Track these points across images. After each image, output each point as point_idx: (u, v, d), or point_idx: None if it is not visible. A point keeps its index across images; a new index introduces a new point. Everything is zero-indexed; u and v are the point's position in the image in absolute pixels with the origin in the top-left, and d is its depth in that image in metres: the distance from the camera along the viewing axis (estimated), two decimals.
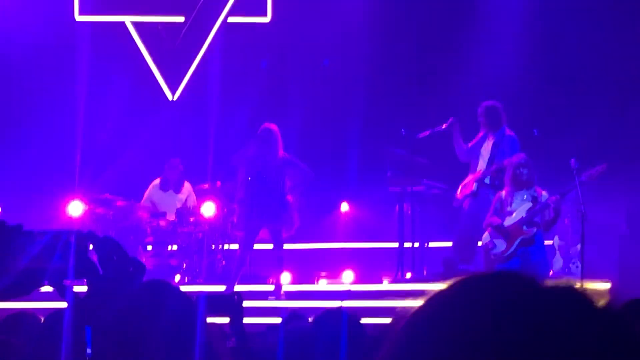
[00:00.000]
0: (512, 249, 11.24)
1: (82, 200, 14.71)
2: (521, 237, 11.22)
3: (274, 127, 12.63)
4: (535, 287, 1.41)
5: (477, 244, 12.17)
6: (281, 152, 12.50)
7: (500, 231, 11.28)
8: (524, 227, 11.22)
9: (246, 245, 12.62)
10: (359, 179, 14.98)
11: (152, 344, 2.75)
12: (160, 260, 13.78)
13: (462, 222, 12.64)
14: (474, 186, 12.47)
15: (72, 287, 2.40)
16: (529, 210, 11.20)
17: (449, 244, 13.95)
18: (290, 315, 6.96)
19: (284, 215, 12.49)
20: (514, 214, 11.25)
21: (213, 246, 14.08)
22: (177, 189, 14.33)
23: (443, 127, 12.95)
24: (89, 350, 4.97)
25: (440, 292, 1.45)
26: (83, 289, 2.43)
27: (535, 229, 11.23)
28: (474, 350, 1.34)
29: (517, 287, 1.42)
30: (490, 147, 12.51)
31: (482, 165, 12.59)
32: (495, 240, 11.36)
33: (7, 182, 15.46)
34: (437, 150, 13.54)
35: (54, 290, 2.39)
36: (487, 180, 12.43)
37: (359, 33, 15.45)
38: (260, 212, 12.38)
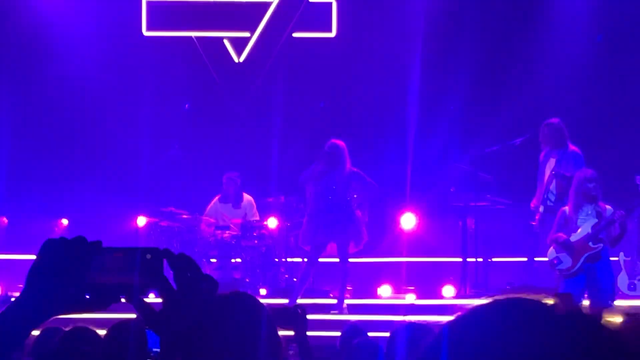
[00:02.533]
0: (578, 265, 11.12)
1: (147, 214, 14.89)
2: (587, 253, 11.10)
3: (340, 142, 12.67)
4: (547, 316, 1.45)
5: None
6: (349, 167, 12.54)
7: (565, 247, 11.18)
8: (590, 243, 11.11)
9: (312, 260, 12.66)
10: (422, 194, 14.95)
11: (220, 353, 2.81)
12: (224, 273, 13.88)
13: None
14: (541, 208, 12.40)
15: (147, 302, 2.49)
16: (594, 226, 11.09)
17: (513, 259, 13.88)
18: (349, 329, 6.97)
19: (351, 230, 12.51)
20: (579, 230, 11.15)
21: (276, 259, 14.15)
22: (236, 203, 14.42)
23: (517, 142, 12.88)
24: (156, 350, 5.05)
25: (468, 312, 1.50)
26: (157, 303, 2.51)
27: (601, 245, 11.11)
28: None
29: (528, 316, 1.46)
30: (553, 165, 12.42)
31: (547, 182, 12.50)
32: (560, 256, 11.25)
33: (75, 195, 15.68)
34: (501, 166, 13.50)
35: (128, 304, 2.47)
36: (549, 202, 12.34)
37: (422, 46, 15.44)
38: (328, 227, 12.43)
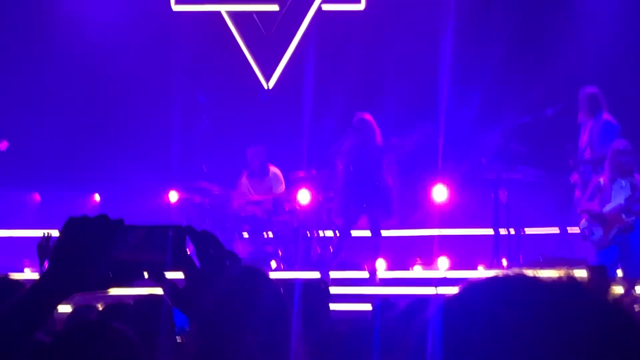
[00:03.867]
0: (610, 237, 11.05)
1: (179, 189, 14.94)
2: (620, 226, 11.03)
3: (367, 116, 12.63)
4: (540, 288, 1.45)
5: None
6: (379, 140, 12.49)
7: (598, 218, 11.10)
8: (623, 215, 11.03)
9: (344, 233, 12.67)
10: (454, 166, 14.90)
11: (247, 330, 2.80)
12: (256, 247, 13.92)
13: None
14: (577, 177, 12.31)
15: (170, 278, 2.49)
16: (627, 199, 11.01)
17: (545, 230, 13.82)
18: (381, 302, 6.97)
19: (383, 204, 12.49)
20: (612, 202, 11.07)
21: (308, 233, 14.17)
22: (262, 176, 14.42)
23: (548, 113, 12.78)
24: (179, 336, 5.07)
25: (467, 287, 1.51)
26: (180, 279, 2.51)
27: (634, 218, 11.03)
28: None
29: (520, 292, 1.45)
30: (588, 132, 12.33)
31: (581, 151, 12.42)
32: (592, 228, 11.19)
33: (107, 172, 15.75)
34: (533, 137, 13.41)
35: (151, 280, 2.48)
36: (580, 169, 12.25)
37: (453, 17, 15.34)
38: (360, 201, 12.42)
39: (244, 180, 14.49)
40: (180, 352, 4.69)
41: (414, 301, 5.51)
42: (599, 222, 11.11)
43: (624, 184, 11.06)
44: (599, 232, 11.14)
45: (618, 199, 11.06)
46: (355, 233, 12.99)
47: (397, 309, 6.45)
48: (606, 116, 12.33)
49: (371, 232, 12.61)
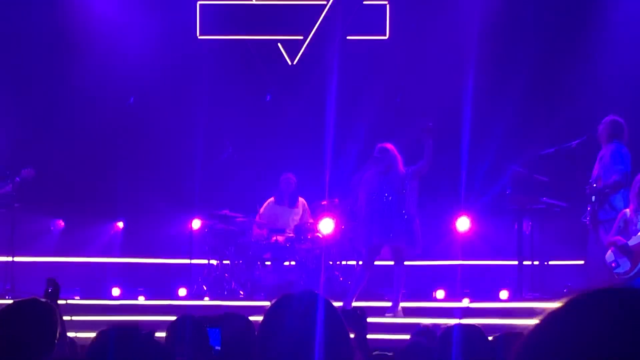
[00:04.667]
0: (636, 269, 10.98)
1: (202, 216, 14.97)
2: None
3: (389, 145, 12.61)
4: None
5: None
6: (402, 169, 12.46)
7: (624, 251, 11.03)
8: None
9: (367, 263, 12.63)
10: (478, 196, 14.88)
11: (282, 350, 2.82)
12: (279, 275, 13.90)
13: (590, 244, 12.33)
14: (592, 199, 12.23)
15: None
16: None
17: (569, 262, 13.77)
18: (420, 330, 6.93)
19: (407, 234, 12.42)
20: (639, 234, 11.00)
21: (331, 262, 14.15)
22: (292, 204, 14.47)
23: (573, 145, 12.74)
24: (216, 348, 5.09)
25: (555, 311, 1.47)
26: None
27: None
28: None
29: (627, 303, 1.41)
30: (599, 160, 12.28)
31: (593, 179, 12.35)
32: (619, 260, 11.11)
33: (130, 198, 15.80)
34: (557, 168, 13.38)
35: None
36: (593, 199, 12.18)
37: (477, 48, 15.35)
38: (383, 230, 12.37)
39: (271, 205, 14.49)
40: None
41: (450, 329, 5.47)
42: (626, 254, 11.04)
43: None
44: (626, 265, 11.06)
45: None
46: (378, 263, 12.96)
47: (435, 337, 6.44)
48: (617, 144, 12.23)
49: (395, 261, 12.57)
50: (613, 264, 11.13)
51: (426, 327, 7.44)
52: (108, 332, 6.31)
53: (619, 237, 11.11)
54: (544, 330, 1.46)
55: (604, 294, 1.47)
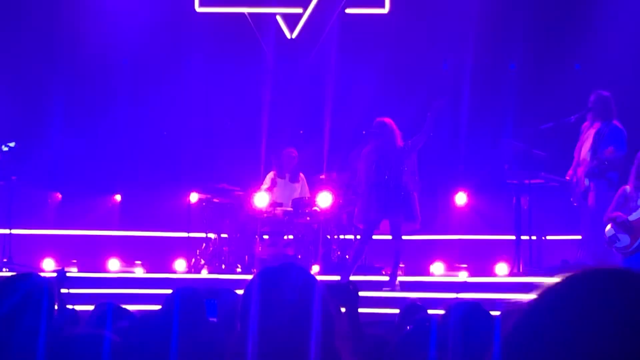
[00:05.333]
0: (636, 244, 11.02)
1: (200, 190, 14.95)
2: None
3: (387, 120, 12.58)
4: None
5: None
6: (400, 143, 12.44)
7: (624, 226, 11.07)
8: None
9: (365, 237, 12.63)
10: (476, 171, 14.87)
11: (273, 322, 2.82)
12: (277, 249, 13.91)
13: (587, 217, 12.36)
14: (586, 182, 12.25)
15: None
16: None
17: (567, 237, 13.77)
18: (409, 306, 6.93)
19: (405, 209, 12.42)
20: (639, 209, 11.04)
21: (328, 236, 14.15)
22: (293, 179, 14.47)
23: (572, 119, 12.74)
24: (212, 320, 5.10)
25: (552, 288, 1.47)
26: None
27: None
28: (587, 346, 1.34)
29: (627, 283, 1.40)
30: (594, 135, 12.27)
31: (585, 154, 12.36)
32: (619, 235, 11.15)
33: (128, 171, 15.79)
34: (556, 143, 13.35)
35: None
36: (587, 182, 12.21)
37: (477, 21, 15.30)
38: (382, 205, 12.37)
39: (273, 178, 14.45)
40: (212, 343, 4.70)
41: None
42: (625, 229, 11.07)
43: None
44: (625, 240, 11.10)
45: None
46: (376, 237, 12.96)
47: (425, 312, 6.44)
48: (616, 122, 12.29)
49: (392, 236, 12.57)
50: (613, 239, 11.16)
51: (414, 303, 7.44)
52: (105, 304, 6.34)
53: (619, 213, 11.14)
54: (540, 307, 1.45)
55: (601, 273, 1.44)
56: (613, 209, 11.26)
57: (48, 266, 14.18)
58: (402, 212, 12.38)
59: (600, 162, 12.03)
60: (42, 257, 14.57)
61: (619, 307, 1.37)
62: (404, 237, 12.71)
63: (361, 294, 11.35)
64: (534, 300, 1.47)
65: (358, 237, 13.27)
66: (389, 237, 12.66)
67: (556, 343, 1.38)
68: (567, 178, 12.59)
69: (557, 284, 1.47)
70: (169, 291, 5.77)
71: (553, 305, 1.44)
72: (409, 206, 12.39)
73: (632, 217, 11.05)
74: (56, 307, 6.18)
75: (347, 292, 6.72)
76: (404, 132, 12.78)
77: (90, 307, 6.72)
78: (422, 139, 12.48)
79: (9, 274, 4.78)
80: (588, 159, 12.22)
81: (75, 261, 14.71)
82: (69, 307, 6.78)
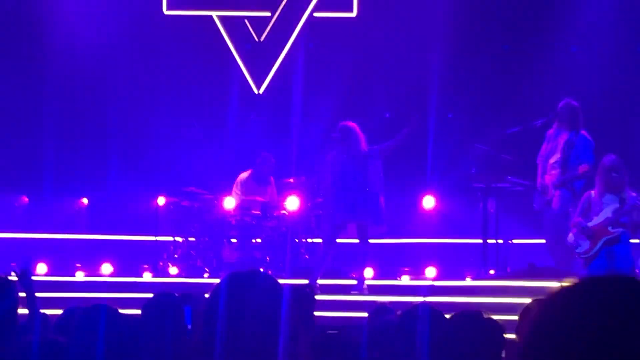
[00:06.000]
0: (595, 249, 11.15)
1: (168, 193, 14.93)
2: (605, 237, 11.12)
3: (350, 124, 12.61)
4: None
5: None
6: (364, 147, 12.47)
7: (585, 232, 11.20)
8: (609, 228, 11.12)
9: (330, 240, 12.66)
10: (443, 175, 14.94)
11: (241, 330, 2.84)
12: (245, 253, 13.91)
13: (551, 224, 12.44)
14: (553, 190, 12.34)
15: None
16: (615, 211, 11.09)
17: (533, 240, 13.87)
18: (378, 309, 6.97)
19: (371, 212, 12.45)
20: (600, 215, 11.16)
21: (297, 240, 14.17)
22: (265, 184, 14.46)
23: (538, 124, 12.81)
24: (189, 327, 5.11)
25: (560, 296, 1.47)
26: None
27: (620, 230, 11.11)
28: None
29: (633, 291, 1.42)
30: (562, 144, 12.36)
31: (553, 161, 12.43)
32: (580, 241, 11.28)
33: (96, 174, 15.73)
34: (522, 147, 13.44)
35: None
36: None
37: (444, 25, 15.37)
38: (348, 208, 12.39)
39: (247, 182, 14.41)
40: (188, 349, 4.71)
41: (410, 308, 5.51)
42: (586, 235, 11.21)
43: (613, 199, 11.14)
44: (585, 245, 11.23)
45: (606, 212, 11.14)
46: (343, 241, 12.99)
47: (393, 315, 6.47)
48: (583, 132, 12.38)
49: (360, 239, 12.61)
50: (574, 244, 11.30)
51: (384, 305, 7.49)
52: (74, 309, 6.32)
53: (580, 219, 11.29)
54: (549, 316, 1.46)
55: (604, 282, 1.46)
56: (577, 214, 11.39)
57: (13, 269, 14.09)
58: (368, 215, 12.41)
59: (573, 177, 12.13)
60: (8, 261, 14.49)
61: (622, 315, 1.39)
62: (371, 241, 12.74)
63: (329, 297, 11.38)
64: (545, 306, 1.47)
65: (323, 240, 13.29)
66: (357, 240, 12.69)
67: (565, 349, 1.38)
68: (538, 187, 12.63)
69: (568, 289, 1.47)
70: (139, 295, 5.77)
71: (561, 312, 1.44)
72: (375, 209, 12.43)
73: (592, 223, 11.18)
74: (27, 311, 6.17)
75: (303, 295, 6.77)
76: (372, 135, 12.82)
77: (58, 311, 6.71)
78: (390, 148, 12.54)
79: None
80: (558, 168, 12.30)
81: (79, 265, 14.73)
82: (42, 311, 6.75)
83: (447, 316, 5.13)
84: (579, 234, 11.28)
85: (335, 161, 12.50)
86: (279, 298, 2.92)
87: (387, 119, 15.58)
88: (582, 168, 12.03)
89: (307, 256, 14.12)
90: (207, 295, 5.98)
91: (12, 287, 4.41)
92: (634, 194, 11.14)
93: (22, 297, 5.73)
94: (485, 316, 4.87)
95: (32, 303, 6.08)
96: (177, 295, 5.66)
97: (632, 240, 11.53)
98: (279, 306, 2.90)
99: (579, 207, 11.42)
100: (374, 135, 13.10)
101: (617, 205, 11.09)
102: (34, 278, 6.94)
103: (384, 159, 12.61)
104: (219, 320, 2.85)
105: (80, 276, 14.64)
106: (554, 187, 12.26)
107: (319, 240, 13.84)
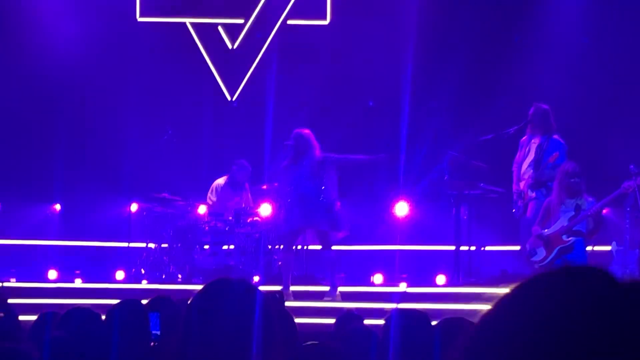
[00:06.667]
0: (550, 257, 11.24)
1: (140, 199, 14.91)
2: (560, 246, 11.21)
3: (304, 131, 12.67)
4: (609, 281, 1.41)
5: None
6: (318, 154, 12.51)
7: (541, 239, 11.29)
8: (563, 236, 11.21)
9: (287, 247, 12.72)
10: (416, 182, 14.98)
11: (216, 336, 2.84)
12: (217, 259, 13.90)
13: (525, 230, 12.51)
14: (530, 193, 12.40)
15: None
16: (570, 219, 11.19)
17: (506, 247, 13.93)
18: (345, 315, 6.98)
19: (327, 218, 12.47)
20: (557, 223, 11.25)
21: (270, 246, 14.17)
22: (240, 190, 14.48)
23: (511, 131, 12.88)
24: (155, 333, 5.11)
25: (513, 291, 1.44)
26: None
27: (573, 238, 11.19)
28: (551, 348, 1.34)
29: (591, 282, 1.41)
30: (535, 148, 12.44)
31: (526, 166, 12.51)
32: (536, 249, 11.38)
33: (68, 181, 15.67)
34: (495, 155, 13.51)
35: None
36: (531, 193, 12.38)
37: (417, 34, 15.43)
38: (303, 215, 12.43)
39: (222, 188, 14.42)
40: (155, 355, 4.70)
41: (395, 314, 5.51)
42: (543, 243, 11.30)
43: (571, 205, 11.21)
44: (541, 253, 11.32)
45: (562, 220, 11.22)
46: (315, 247, 13.02)
47: (360, 322, 6.48)
48: (556, 136, 12.47)
49: (322, 246, 12.64)
50: (531, 253, 11.39)
51: (351, 312, 7.51)
52: (47, 314, 6.31)
53: (536, 227, 11.38)
54: (495, 318, 1.44)
55: (553, 276, 1.43)
56: (538, 222, 11.48)
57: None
58: (325, 221, 12.43)
59: (542, 172, 12.20)
60: None
61: (577, 305, 1.36)
62: (342, 247, 12.78)
63: (302, 304, 11.38)
64: (488, 312, 1.45)
65: (281, 247, 13.32)
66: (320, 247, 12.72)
67: (518, 347, 1.37)
68: (515, 197, 12.68)
69: (509, 293, 1.45)
70: (110, 301, 5.76)
71: (508, 314, 1.42)
72: (331, 215, 12.45)
73: (549, 230, 11.26)
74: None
75: (274, 301, 6.77)
76: (342, 144, 12.87)
77: (30, 317, 6.69)
78: (348, 163, 12.67)
79: None
80: (531, 170, 12.38)
81: (78, 272, 14.69)
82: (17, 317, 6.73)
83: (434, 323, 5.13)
84: (536, 242, 11.37)
85: (289, 168, 12.56)
86: (254, 302, 2.94)
87: (359, 126, 15.60)
88: (552, 157, 12.08)
89: (280, 262, 14.12)
90: (174, 301, 5.98)
91: None
92: (590, 199, 11.23)
93: None
94: (469, 322, 4.87)
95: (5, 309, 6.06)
96: (140, 301, 5.65)
97: (588, 248, 11.64)
98: (253, 310, 2.91)
99: (540, 214, 11.51)
100: (344, 144, 13.16)
101: (573, 213, 11.17)
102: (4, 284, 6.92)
103: (341, 168, 12.68)
104: (194, 326, 2.85)
105: (52, 276, 14.59)
106: (530, 188, 12.33)
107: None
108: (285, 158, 12.74)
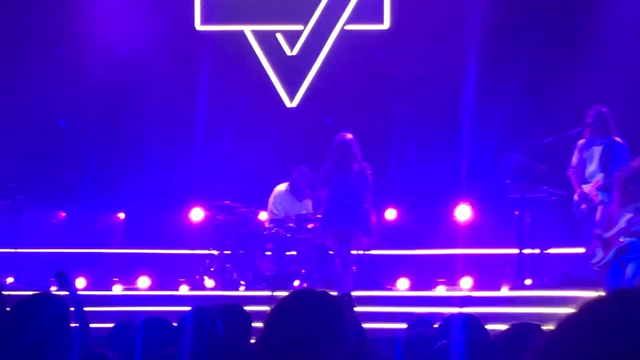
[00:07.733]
0: (607, 259, 11.18)
1: (203, 207, 15.02)
2: (617, 247, 11.15)
3: (348, 136, 12.77)
4: None
5: None
6: (360, 160, 12.71)
7: (601, 240, 11.25)
8: (621, 237, 11.15)
9: (338, 250, 12.89)
10: (478, 185, 14.92)
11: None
12: (279, 266, 13.96)
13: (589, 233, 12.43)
14: (599, 196, 12.32)
15: None
16: (628, 221, 11.12)
17: (569, 250, 13.83)
18: (416, 320, 7.00)
19: (364, 223, 12.70)
20: (617, 225, 11.20)
21: (330, 252, 14.20)
22: (301, 196, 14.53)
23: (572, 133, 12.81)
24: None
25: (572, 316, 1.46)
26: None
27: (628, 239, 11.12)
28: None
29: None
30: (599, 152, 12.36)
31: (592, 169, 12.43)
32: (595, 250, 11.34)
33: (132, 189, 15.81)
34: (557, 157, 13.43)
35: None
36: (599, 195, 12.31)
37: (478, 37, 15.35)
38: (344, 217, 12.62)
39: (283, 195, 14.51)
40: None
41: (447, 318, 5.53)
42: (602, 244, 11.26)
43: (630, 209, 11.17)
44: (599, 254, 11.27)
45: (621, 222, 11.18)
46: (381, 252, 13.09)
47: (431, 326, 6.50)
48: (617, 138, 12.40)
49: (343, 246, 12.85)
50: (590, 254, 11.37)
51: (421, 317, 7.53)
52: (123, 322, 6.40)
53: (596, 230, 11.36)
54: (563, 336, 1.45)
55: (618, 298, 1.45)
56: (597, 226, 11.46)
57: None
58: (361, 225, 12.64)
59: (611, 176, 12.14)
60: (48, 276, 14.60)
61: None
62: (407, 252, 12.84)
63: (366, 309, 11.40)
64: (555, 329, 1.47)
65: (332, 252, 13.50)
66: (389, 252, 12.79)
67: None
68: (576, 198, 12.61)
69: (576, 312, 1.46)
70: (176, 309, 5.84)
71: (575, 334, 1.44)
72: (368, 220, 12.68)
73: (610, 232, 11.22)
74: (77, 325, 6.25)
75: (345, 303, 6.81)
76: (408, 147, 12.89)
77: (100, 325, 6.78)
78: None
79: (25, 293, 4.82)
80: (599, 175, 12.31)
81: (117, 279, 14.87)
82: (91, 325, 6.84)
83: (500, 327, 5.12)
84: (597, 244, 11.34)
85: (331, 176, 12.74)
86: (336, 314, 2.97)
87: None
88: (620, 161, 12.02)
89: (354, 268, 14.16)
90: (246, 308, 6.04)
91: (61, 301, 4.46)
92: None
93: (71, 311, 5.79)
94: (544, 328, 4.84)
95: (81, 317, 6.15)
96: (210, 308, 5.72)
97: None
98: (339, 320, 2.94)
99: (601, 219, 11.48)
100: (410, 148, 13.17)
101: (631, 215, 11.12)
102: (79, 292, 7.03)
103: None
104: (273, 333, 2.89)
105: (117, 290, 14.73)
106: (599, 191, 12.24)
107: (354, 252, 13.91)
108: (327, 163, 12.87)
